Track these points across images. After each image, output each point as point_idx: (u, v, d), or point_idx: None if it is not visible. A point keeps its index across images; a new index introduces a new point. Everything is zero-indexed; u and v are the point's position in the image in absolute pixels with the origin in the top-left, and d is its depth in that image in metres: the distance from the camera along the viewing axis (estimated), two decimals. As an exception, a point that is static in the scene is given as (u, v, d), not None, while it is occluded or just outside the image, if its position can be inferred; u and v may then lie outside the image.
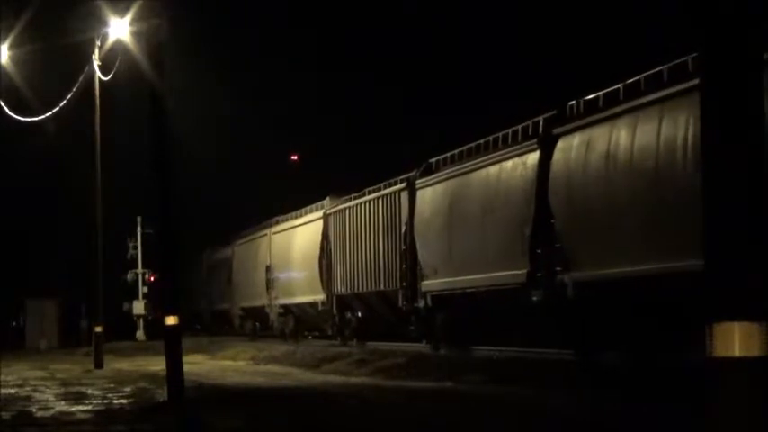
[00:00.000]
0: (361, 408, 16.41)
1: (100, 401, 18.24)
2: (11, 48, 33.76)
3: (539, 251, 22.37)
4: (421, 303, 28.75)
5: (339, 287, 35.82)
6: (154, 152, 18.96)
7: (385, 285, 31.42)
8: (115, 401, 18.13)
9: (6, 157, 43.71)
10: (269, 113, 66.75)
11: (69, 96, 33.48)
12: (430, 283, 28.13)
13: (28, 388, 22.33)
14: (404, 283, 29.96)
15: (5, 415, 16.04)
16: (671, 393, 14.69)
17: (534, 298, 22.41)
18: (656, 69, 18.98)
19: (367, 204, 33.39)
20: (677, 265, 16.95)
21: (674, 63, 18.35)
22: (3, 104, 32.18)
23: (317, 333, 41.44)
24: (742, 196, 5.93)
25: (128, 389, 20.85)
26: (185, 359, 19.15)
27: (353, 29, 70.16)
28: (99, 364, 31.43)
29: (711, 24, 6.10)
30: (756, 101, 6.02)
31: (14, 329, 59.31)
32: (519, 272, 22.82)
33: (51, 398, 19.53)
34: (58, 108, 33.79)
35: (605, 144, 19.97)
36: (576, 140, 21.04)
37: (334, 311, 36.56)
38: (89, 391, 20.57)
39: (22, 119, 33.96)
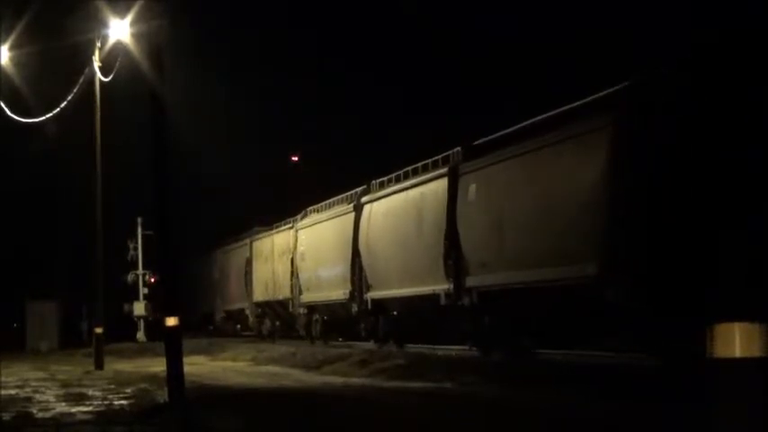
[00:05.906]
0: (362, 409, 16.42)
1: (100, 402, 18.22)
2: (11, 49, 33.78)
3: (355, 278, 33.60)
4: (301, 310, 40.98)
5: (256, 296, 48.05)
6: (153, 153, 18.93)
7: (282, 296, 43.38)
8: (116, 403, 18.11)
9: (6, 158, 43.69)
10: (269, 114, 66.73)
11: (70, 97, 33.49)
12: (305, 296, 40.29)
13: (28, 389, 22.31)
14: (291, 296, 41.94)
15: (6, 416, 16.02)
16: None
17: (354, 309, 33.98)
18: (435, 158, 28.09)
19: (273, 236, 45.74)
20: (418, 290, 28.02)
21: (445, 154, 27.58)
22: (3, 105, 32.17)
23: (248, 332, 50.81)
24: (740, 198, 5.92)
25: (128, 390, 20.82)
26: (186, 360, 19.11)
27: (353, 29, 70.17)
28: (99, 366, 31.42)
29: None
30: (755, 112, 6.02)
31: (15, 331, 59.23)
32: (346, 291, 34.47)
33: (52, 399, 19.51)
34: (58, 109, 33.79)
35: (382, 211, 31.36)
36: (372, 208, 32.48)
37: (255, 316, 48.86)
38: (90, 393, 20.55)
39: (22, 120, 33.97)
